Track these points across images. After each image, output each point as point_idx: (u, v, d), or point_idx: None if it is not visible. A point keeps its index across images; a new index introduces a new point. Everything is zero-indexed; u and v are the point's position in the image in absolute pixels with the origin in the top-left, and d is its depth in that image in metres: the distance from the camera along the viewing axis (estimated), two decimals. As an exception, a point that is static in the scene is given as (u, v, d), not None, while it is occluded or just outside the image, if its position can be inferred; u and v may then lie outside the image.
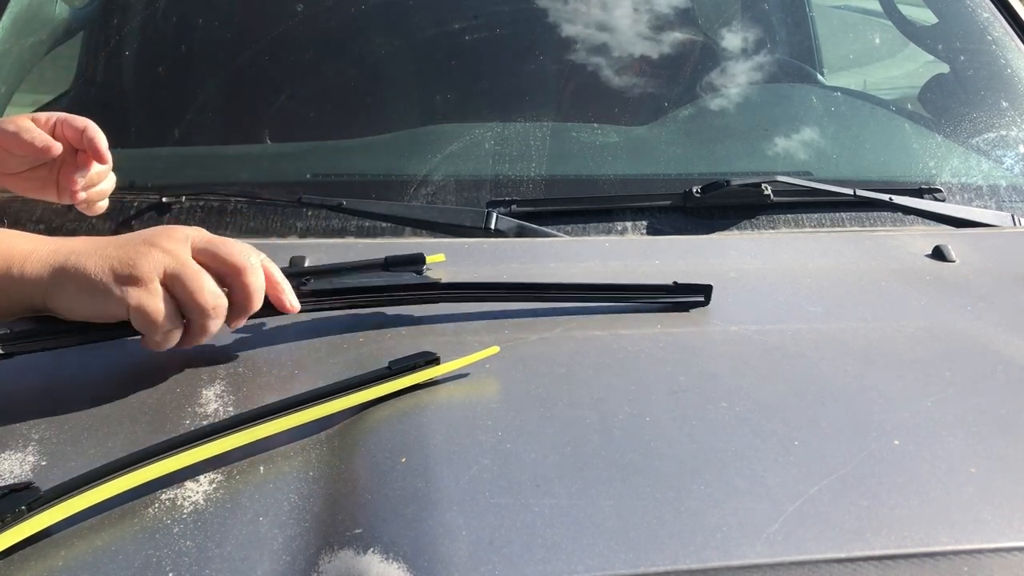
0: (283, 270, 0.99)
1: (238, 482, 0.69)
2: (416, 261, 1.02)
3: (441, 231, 1.16)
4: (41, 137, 0.92)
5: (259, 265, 0.81)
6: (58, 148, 0.92)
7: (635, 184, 1.28)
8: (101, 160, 0.94)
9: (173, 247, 0.77)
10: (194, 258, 0.78)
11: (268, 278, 0.82)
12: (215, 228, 1.13)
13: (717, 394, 0.80)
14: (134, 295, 0.75)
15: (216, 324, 0.79)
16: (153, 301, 0.75)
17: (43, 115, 0.95)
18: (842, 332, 0.94)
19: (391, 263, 1.01)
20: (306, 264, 1.03)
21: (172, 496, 0.68)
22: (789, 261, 1.12)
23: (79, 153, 0.95)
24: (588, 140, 1.35)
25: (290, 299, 0.84)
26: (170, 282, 0.76)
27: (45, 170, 0.96)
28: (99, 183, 0.99)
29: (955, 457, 0.73)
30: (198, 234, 0.80)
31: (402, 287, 0.92)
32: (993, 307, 1.01)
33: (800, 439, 0.74)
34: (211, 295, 0.77)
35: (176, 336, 0.78)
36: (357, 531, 0.63)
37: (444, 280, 0.93)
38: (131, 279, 0.75)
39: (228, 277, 0.79)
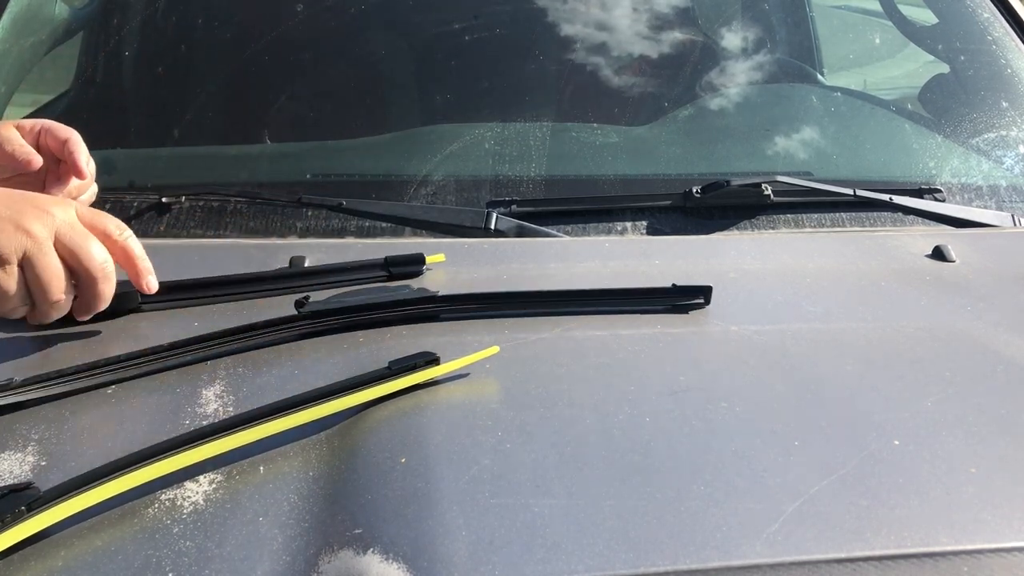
0: (283, 271, 1.00)
1: (238, 482, 0.69)
2: (416, 261, 1.02)
3: (441, 231, 1.16)
4: (21, 149, 0.92)
5: (112, 274, 0.84)
6: (38, 162, 0.92)
7: (635, 184, 1.28)
8: (79, 175, 0.93)
9: (39, 233, 0.80)
10: (56, 247, 0.81)
11: (130, 260, 0.86)
12: (215, 228, 1.14)
13: (717, 394, 0.80)
14: None
15: (57, 314, 0.84)
16: (7, 282, 0.79)
17: (28, 123, 0.94)
18: (842, 332, 0.94)
19: (391, 263, 1.01)
20: (306, 264, 1.02)
21: (172, 496, 0.68)
22: (789, 261, 1.12)
23: (61, 163, 0.94)
24: (588, 140, 1.34)
25: (147, 281, 0.87)
26: (26, 267, 0.80)
27: (31, 176, 0.95)
28: (78, 196, 0.97)
29: (955, 457, 0.73)
30: (65, 220, 0.82)
31: (401, 303, 0.92)
32: (993, 307, 1.01)
33: (800, 439, 0.74)
34: (58, 291, 0.81)
35: (21, 313, 0.83)
36: (357, 531, 0.63)
37: (444, 281, 0.93)
38: None
39: (81, 279, 0.82)
